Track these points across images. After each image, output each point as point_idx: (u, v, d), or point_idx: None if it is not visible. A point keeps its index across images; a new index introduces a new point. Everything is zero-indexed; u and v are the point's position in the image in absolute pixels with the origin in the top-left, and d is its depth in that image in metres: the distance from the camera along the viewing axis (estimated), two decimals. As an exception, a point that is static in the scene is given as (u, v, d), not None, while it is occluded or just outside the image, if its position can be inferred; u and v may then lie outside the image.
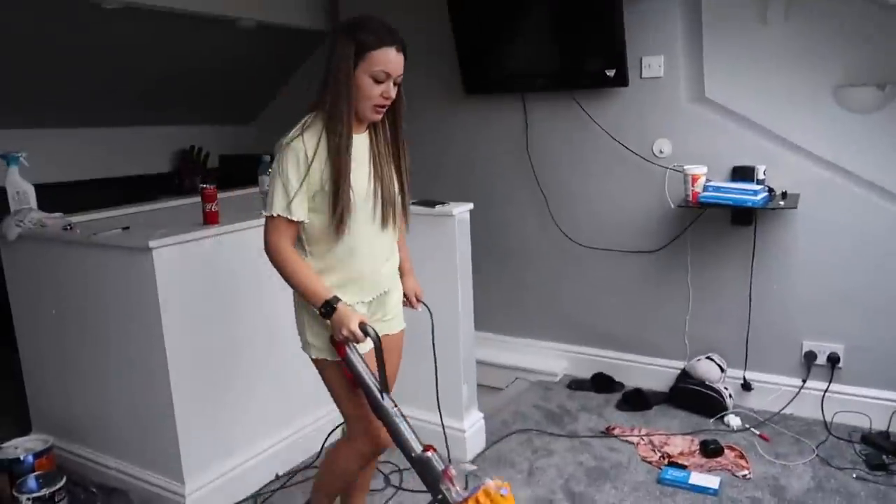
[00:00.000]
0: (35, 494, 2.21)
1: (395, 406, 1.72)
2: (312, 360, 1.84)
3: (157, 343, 2.21)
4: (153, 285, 2.17)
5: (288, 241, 1.70)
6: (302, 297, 1.73)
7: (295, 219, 1.67)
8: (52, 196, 2.78)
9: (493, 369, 3.41)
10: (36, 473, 2.32)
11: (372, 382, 1.71)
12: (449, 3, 3.32)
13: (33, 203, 2.58)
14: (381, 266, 1.85)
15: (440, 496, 1.64)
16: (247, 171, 3.53)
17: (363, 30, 1.66)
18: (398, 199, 1.82)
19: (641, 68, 3.09)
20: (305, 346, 1.84)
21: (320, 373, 1.85)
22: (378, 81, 1.67)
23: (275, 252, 1.70)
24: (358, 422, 1.84)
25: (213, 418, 2.38)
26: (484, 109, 3.52)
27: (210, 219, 2.40)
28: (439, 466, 1.65)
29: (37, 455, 2.38)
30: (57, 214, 2.56)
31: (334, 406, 2.79)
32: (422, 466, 1.67)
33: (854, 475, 2.44)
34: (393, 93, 1.70)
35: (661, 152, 3.10)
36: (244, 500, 2.44)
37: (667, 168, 3.06)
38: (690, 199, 2.87)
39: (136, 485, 2.40)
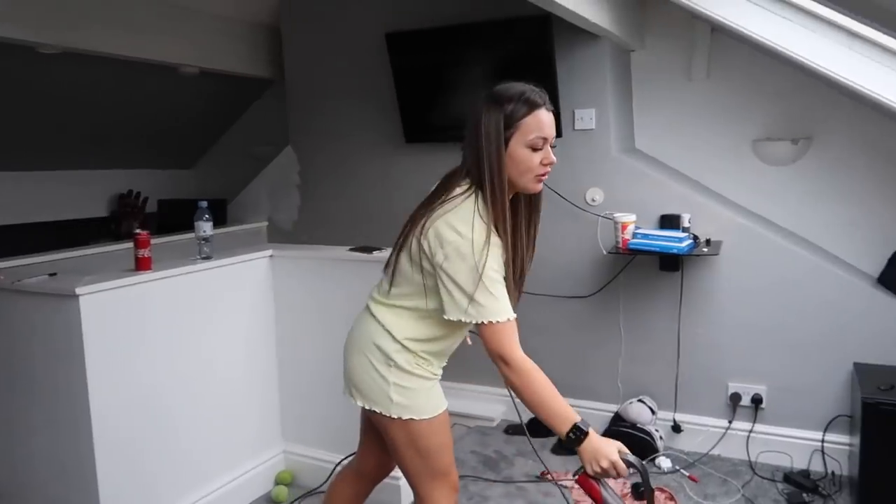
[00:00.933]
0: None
1: None
2: (390, 419, 1.66)
3: (81, 394, 2.15)
4: (79, 333, 2.12)
5: (520, 347, 1.53)
6: (542, 416, 1.51)
7: (513, 317, 1.53)
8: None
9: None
10: (-54, 533, 2.21)
11: None
12: (391, 54, 3.42)
13: (-43, 248, 2.52)
14: None
15: None
16: (186, 215, 3.50)
17: (508, 99, 1.55)
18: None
19: (574, 120, 3.22)
20: (383, 405, 1.66)
21: (399, 433, 1.68)
22: (536, 149, 1.56)
23: (518, 364, 1.51)
24: (442, 479, 1.73)
25: (139, 471, 2.32)
26: (423, 157, 3.60)
27: (142, 265, 2.37)
28: None
29: (-53, 513, 2.27)
30: (-19, 260, 2.50)
31: (269, 454, 2.82)
32: None
33: (777, 514, 2.53)
34: (552, 156, 1.59)
35: (593, 200, 3.21)
36: (171, 556, 2.37)
37: (599, 216, 3.17)
38: (621, 245, 2.98)
39: (53, 541, 2.31)
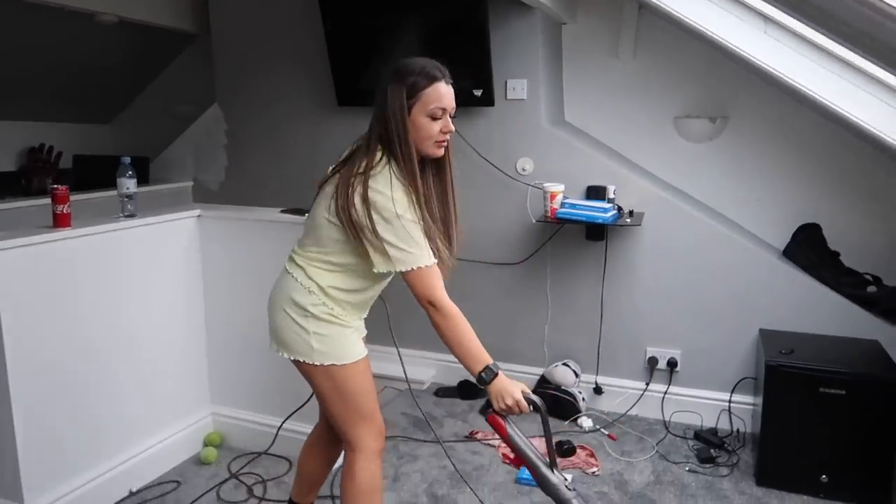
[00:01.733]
0: None
1: (566, 479, 1.67)
2: (312, 366, 1.77)
3: (-4, 354, 2.05)
4: (-7, 292, 2.02)
5: (444, 290, 1.67)
6: (459, 354, 1.68)
7: (434, 262, 1.66)
8: None
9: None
10: None
11: (539, 458, 1.64)
12: (324, 17, 3.35)
13: None
14: None
15: None
16: (103, 172, 3.35)
17: (410, 72, 1.68)
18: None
19: (507, 90, 3.26)
20: (305, 354, 1.77)
21: (321, 380, 1.79)
22: (435, 118, 1.69)
23: (445, 308, 1.66)
24: (368, 423, 1.83)
25: (62, 433, 2.24)
26: (356, 121, 3.52)
27: (61, 221, 2.27)
28: None
29: None
30: None
31: (197, 416, 2.77)
32: None
33: (687, 468, 2.70)
34: (451, 125, 1.73)
35: (523, 170, 3.28)
36: (93, 520, 2.31)
37: (528, 185, 3.25)
38: (549, 214, 3.06)
39: (-34, 508, 2.20)
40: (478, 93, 3.21)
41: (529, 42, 3.18)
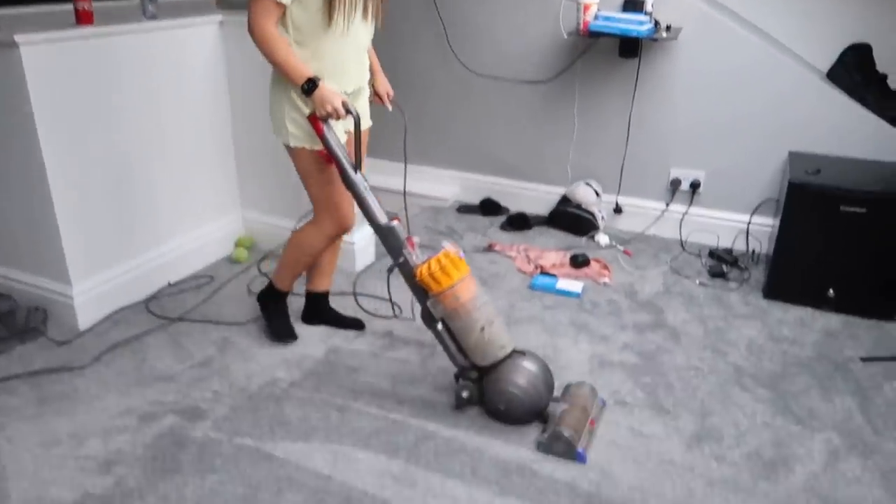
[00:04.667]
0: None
1: (366, 181, 1.89)
2: (289, 147, 1.97)
3: (34, 149, 2.16)
4: (24, 88, 2.07)
5: (272, 23, 1.79)
6: (284, 75, 1.82)
7: (283, 1, 1.76)
8: None
9: (386, 194, 3.51)
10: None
11: (346, 159, 1.86)
12: None
13: None
14: (362, 57, 1.98)
15: (402, 259, 1.83)
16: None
17: None
18: None
19: None
20: (283, 134, 1.95)
21: (295, 160, 2.00)
22: None
23: (259, 32, 1.79)
24: (326, 204, 2.04)
25: (102, 225, 2.41)
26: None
27: (84, 18, 2.27)
28: (403, 235, 1.84)
29: (-85, 260, 2.35)
30: None
31: (228, 220, 2.93)
32: (387, 234, 1.85)
33: (697, 282, 2.78)
34: None
35: (557, -19, 3.10)
36: (135, 304, 2.52)
37: (562, -2, 3.08)
38: (581, 28, 2.93)
39: (21, 289, 2.43)
40: None
41: None
